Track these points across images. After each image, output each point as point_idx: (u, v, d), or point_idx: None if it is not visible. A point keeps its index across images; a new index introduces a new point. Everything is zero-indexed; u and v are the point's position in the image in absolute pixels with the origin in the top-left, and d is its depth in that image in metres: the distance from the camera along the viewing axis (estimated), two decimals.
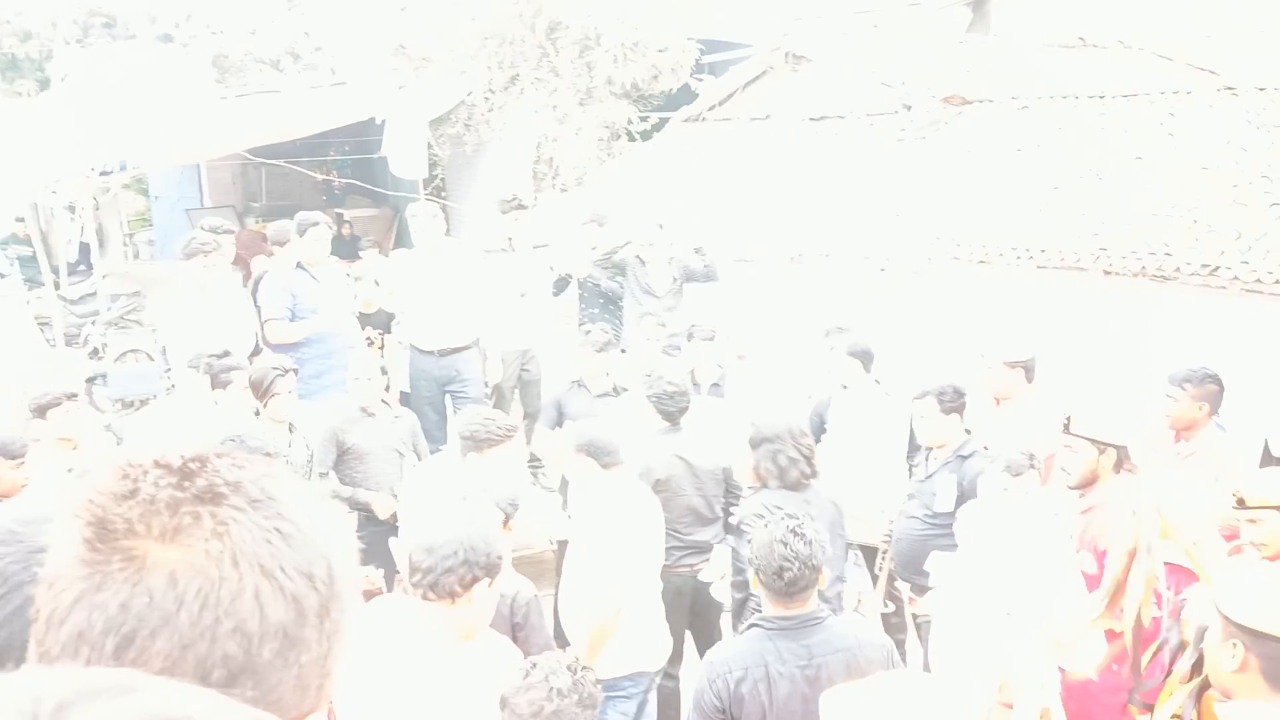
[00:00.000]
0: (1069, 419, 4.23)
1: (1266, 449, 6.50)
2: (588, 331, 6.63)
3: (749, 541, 3.36)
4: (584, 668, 2.67)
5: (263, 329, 6.93)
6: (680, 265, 7.94)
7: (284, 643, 0.85)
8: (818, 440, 5.99)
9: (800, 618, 3.13)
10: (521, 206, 7.97)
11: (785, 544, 3.08)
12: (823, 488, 4.33)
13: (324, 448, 5.69)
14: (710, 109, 11.63)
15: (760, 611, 3.27)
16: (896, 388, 6.09)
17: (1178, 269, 6.87)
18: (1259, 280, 6.58)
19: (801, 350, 7.28)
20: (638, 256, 7.84)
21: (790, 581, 3.06)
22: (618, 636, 3.67)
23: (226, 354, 5.78)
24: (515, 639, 3.54)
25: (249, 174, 16.82)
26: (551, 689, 2.56)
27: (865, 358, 6.02)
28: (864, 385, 6.02)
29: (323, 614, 0.88)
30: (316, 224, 6.95)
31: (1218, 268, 6.71)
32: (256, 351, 7.15)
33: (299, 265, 6.91)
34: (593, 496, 4.36)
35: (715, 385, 6.68)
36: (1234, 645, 2.38)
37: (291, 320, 6.81)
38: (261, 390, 5.26)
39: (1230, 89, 8.04)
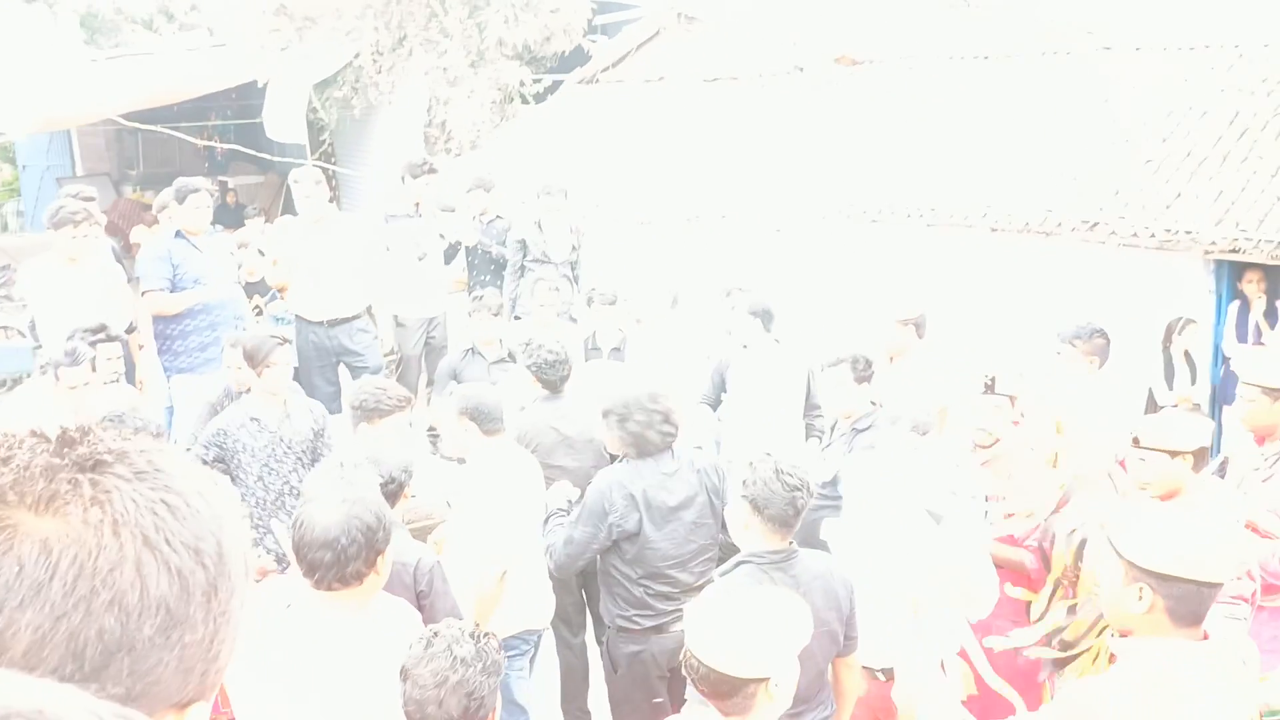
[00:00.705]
0: (1137, 435, 4.19)
1: (1151, 397, 6.77)
2: (479, 297, 6.52)
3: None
4: (486, 634, 2.60)
5: (141, 300, 6.65)
6: (579, 233, 7.86)
7: (166, 620, 0.81)
8: (718, 401, 6.02)
9: (786, 550, 3.27)
10: (433, 171, 7.77)
11: (786, 474, 3.22)
12: (698, 458, 4.25)
13: (202, 423, 5.47)
14: (604, 70, 11.53)
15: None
16: (795, 347, 6.14)
17: (1059, 224, 7.07)
18: (1135, 235, 6.81)
19: (701, 311, 7.29)
20: (536, 223, 7.73)
21: (800, 507, 3.23)
22: (506, 597, 3.66)
23: (102, 328, 5.51)
24: (420, 607, 3.48)
25: (124, 140, 16.12)
26: (455, 658, 2.48)
27: (765, 317, 6.03)
28: (764, 344, 6.05)
29: (210, 593, 0.84)
30: (197, 190, 6.65)
31: (1097, 223, 6.92)
32: (132, 327, 6.87)
33: (179, 234, 6.62)
34: (474, 462, 4.35)
35: (616, 350, 6.65)
36: (1140, 589, 2.42)
37: (173, 291, 6.54)
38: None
39: (1107, 49, 8.27)
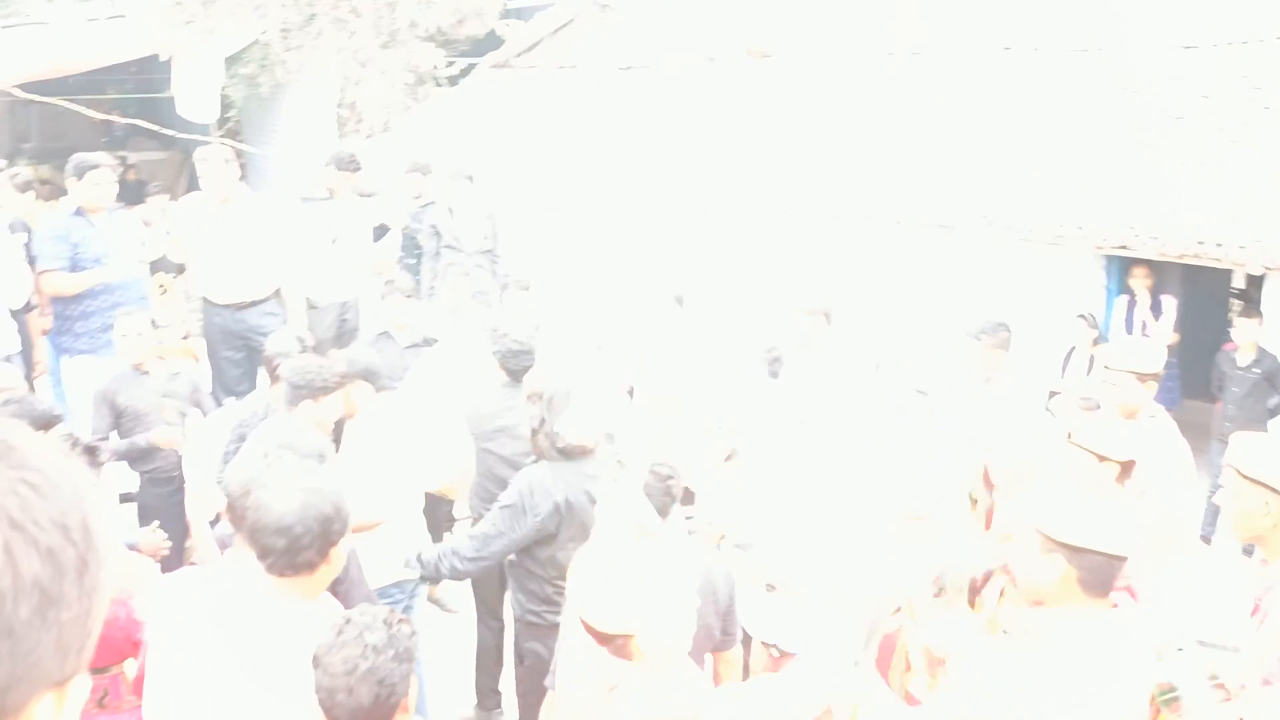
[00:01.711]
0: (1106, 359, 4.61)
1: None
2: (390, 280, 6.48)
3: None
4: (400, 620, 2.58)
5: (38, 281, 6.43)
6: (495, 219, 7.84)
7: (42, 600, 0.80)
8: (630, 388, 6.11)
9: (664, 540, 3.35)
10: (359, 168, 7.65)
11: (659, 465, 3.44)
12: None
13: (96, 411, 5.32)
14: (518, 55, 11.50)
15: None
16: (708, 336, 6.26)
17: (958, 219, 7.31)
18: (1031, 230, 7.08)
19: (612, 300, 7.36)
20: (448, 209, 7.70)
21: (674, 494, 3.46)
22: (382, 549, 3.74)
23: None
24: (335, 592, 3.50)
25: (18, 112, 15.46)
26: (366, 645, 2.46)
27: (681, 302, 6.17)
28: (679, 331, 6.16)
29: (81, 569, 0.83)
30: (96, 166, 6.42)
31: (994, 219, 7.18)
32: (28, 307, 6.65)
33: (78, 211, 6.40)
34: (366, 417, 4.49)
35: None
36: (1054, 560, 2.57)
37: (72, 270, 6.33)
38: (313, 391, 4.34)
39: (1007, 48, 8.55)
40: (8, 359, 6.11)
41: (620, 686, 2.53)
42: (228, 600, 2.81)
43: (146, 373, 5.43)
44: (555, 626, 3.98)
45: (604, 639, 2.56)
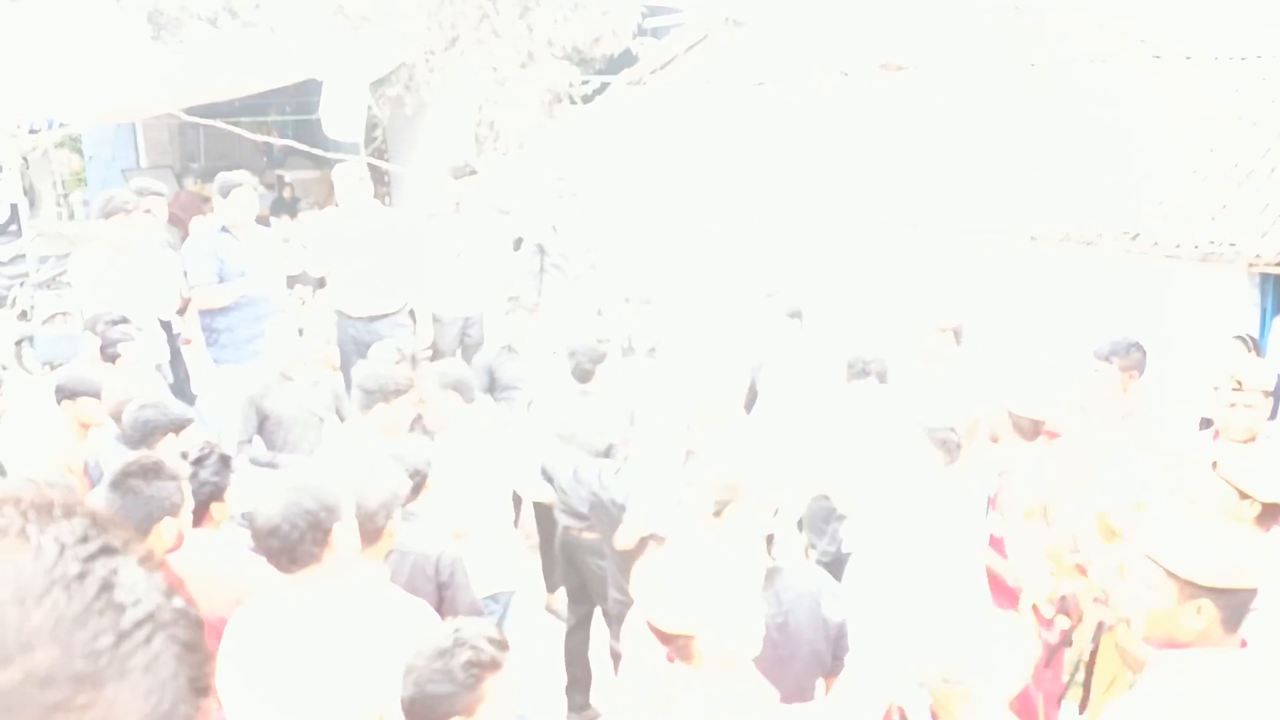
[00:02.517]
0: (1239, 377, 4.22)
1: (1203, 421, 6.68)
2: (514, 296, 6.61)
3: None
4: (482, 641, 2.49)
5: (190, 295, 6.83)
6: (594, 234, 7.90)
7: None
8: (751, 405, 6.05)
9: (769, 570, 3.19)
10: (474, 173, 7.86)
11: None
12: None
13: (243, 415, 5.61)
14: (652, 73, 11.59)
15: None
16: (831, 350, 6.16)
17: (1100, 234, 6.99)
18: (1178, 246, 6.72)
19: (739, 314, 7.32)
20: (552, 226, 7.78)
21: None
22: (472, 559, 3.80)
23: (123, 320, 5.63)
24: (441, 598, 3.58)
25: (187, 134, 16.47)
26: (425, 649, 2.46)
27: (800, 318, 6.09)
28: (798, 346, 6.08)
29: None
30: (240, 185, 6.78)
31: (1139, 234, 6.84)
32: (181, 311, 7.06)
33: (224, 228, 6.76)
34: (456, 428, 4.64)
35: (651, 350, 6.71)
36: (1199, 605, 2.45)
37: (219, 284, 6.71)
38: (385, 394, 4.52)
39: (1157, 57, 8.15)
40: (158, 367, 6.49)
41: (679, 692, 2.50)
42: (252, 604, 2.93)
43: (291, 380, 5.70)
44: None
45: (666, 639, 2.53)
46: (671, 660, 2.56)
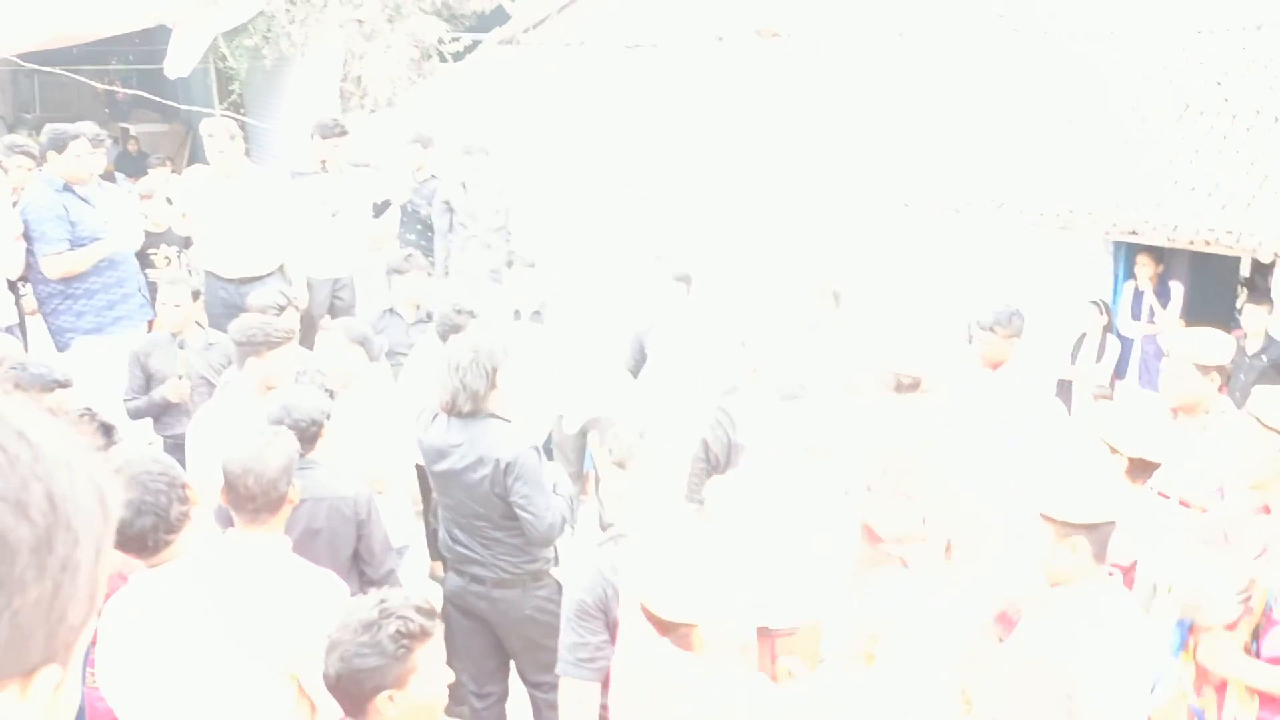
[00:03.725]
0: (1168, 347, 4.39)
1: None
2: (410, 255, 6.44)
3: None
4: (408, 612, 2.39)
5: (40, 264, 6.22)
6: (506, 194, 7.79)
7: None
8: (638, 367, 6.08)
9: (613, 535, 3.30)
10: (344, 133, 7.56)
11: (644, 435, 3.30)
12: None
13: (129, 372, 5.41)
14: (524, 31, 11.41)
15: None
16: (718, 313, 6.24)
17: (967, 202, 7.27)
18: (1040, 214, 7.04)
19: (622, 278, 7.32)
20: (460, 183, 7.63)
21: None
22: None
23: None
24: (359, 535, 3.70)
25: (20, 82, 15.43)
26: (348, 622, 2.37)
27: (687, 282, 6.13)
28: (686, 310, 6.13)
29: (42, 549, 0.75)
30: (77, 137, 6.08)
31: (1004, 202, 7.14)
32: (22, 277, 6.51)
33: (65, 187, 6.09)
34: (360, 385, 4.60)
35: (536, 313, 6.65)
36: (1075, 541, 2.80)
37: (72, 249, 6.13)
38: (255, 346, 4.39)
39: (1017, 30, 8.47)
40: (8, 329, 6.04)
41: (679, 681, 2.50)
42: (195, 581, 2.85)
43: (182, 342, 5.51)
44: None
45: (666, 628, 2.52)
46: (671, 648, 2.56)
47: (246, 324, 4.49)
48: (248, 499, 3.06)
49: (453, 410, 3.90)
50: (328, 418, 3.82)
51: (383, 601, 2.43)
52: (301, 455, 3.54)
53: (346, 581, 3.51)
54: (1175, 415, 4.12)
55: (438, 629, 2.46)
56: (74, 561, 0.77)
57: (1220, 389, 4.26)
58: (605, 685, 3.10)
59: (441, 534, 4.19)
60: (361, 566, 3.76)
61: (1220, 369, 4.09)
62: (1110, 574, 2.92)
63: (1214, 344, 4.12)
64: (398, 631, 2.36)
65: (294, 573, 3.00)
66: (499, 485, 3.84)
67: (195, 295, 5.85)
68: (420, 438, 4.05)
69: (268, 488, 3.06)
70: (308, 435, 3.67)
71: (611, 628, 3.13)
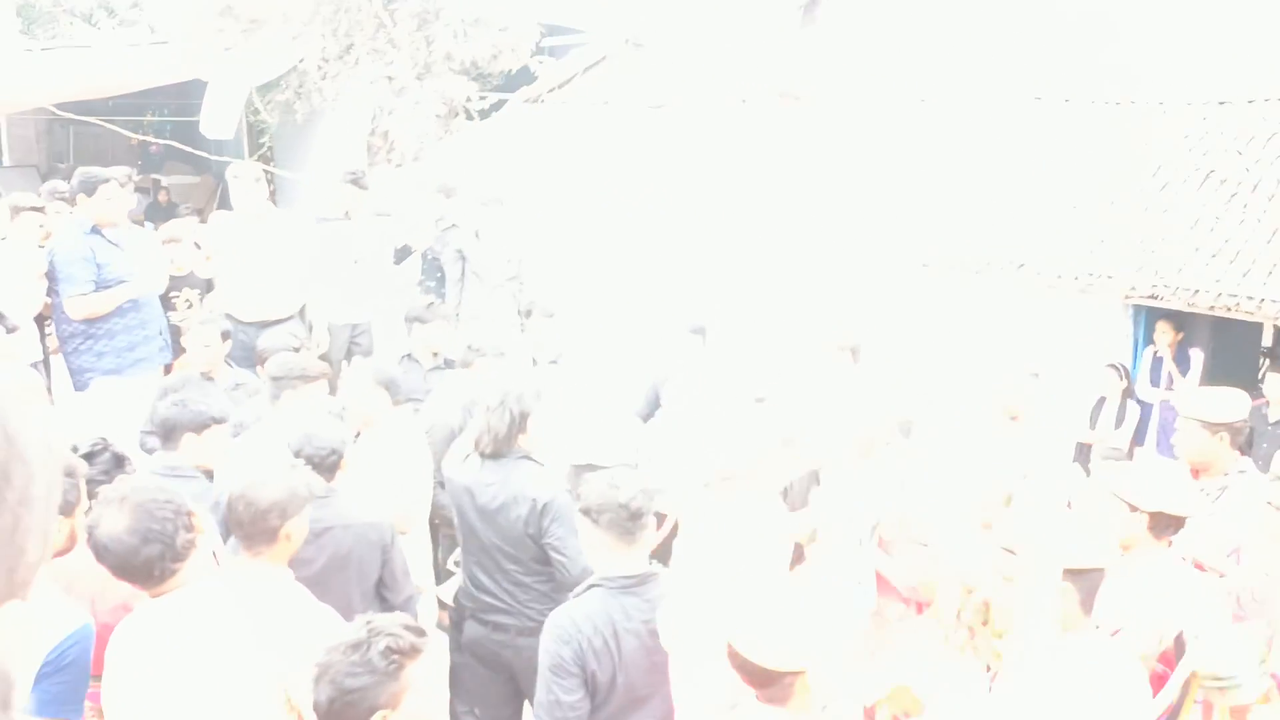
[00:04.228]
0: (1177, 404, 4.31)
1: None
2: (432, 304, 6.48)
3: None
4: (399, 631, 2.39)
5: (65, 305, 6.25)
6: (519, 243, 7.85)
7: None
8: (650, 416, 6.06)
9: (641, 575, 3.16)
10: (364, 187, 7.66)
11: (618, 483, 3.12)
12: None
13: (154, 408, 5.42)
14: (550, 91, 11.59)
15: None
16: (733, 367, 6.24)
17: (988, 264, 7.27)
18: (1059, 276, 7.03)
19: (642, 328, 7.34)
20: (474, 233, 7.71)
21: (636, 512, 3.10)
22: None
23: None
24: (383, 561, 3.76)
25: (55, 133, 15.77)
26: (337, 644, 2.35)
27: (703, 335, 6.16)
28: (700, 361, 6.13)
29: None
30: (107, 180, 6.15)
31: (1024, 264, 7.13)
32: (46, 316, 6.57)
33: (94, 230, 6.14)
34: (381, 428, 4.59)
35: (553, 362, 6.67)
36: (1065, 589, 2.75)
37: (97, 290, 6.13)
38: (291, 381, 4.56)
39: (1038, 98, 8.54)
40: (34, 366, 6.09)
41: None
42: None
43: (212, 380, 5.57)
44: None
45: (767, 679, 2.44)
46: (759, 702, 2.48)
47: (284, 360, 4.62)
48: (237, 525, 3.05)
49: (480, 449, 3.91)
50: (345, 447, 3.85)
51: (369, 622, 2.41)
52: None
53: (370, 607, 3.57)
54: (1196, 476, 4.06)
55: (428, 646, 2.43)
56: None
57: (1239, 451, 4.19)
58: None
59: (463, 583, 4.14)
60: (383, 592, 3.81)
61: (1229, 427, 3.96)
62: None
63: (1222, 402, 4.04)
64: (388, 648, 2.33)
65: (292, 605, 2.96)
66: (533, 526, 3.81)
67: (225, 336, 5.88)
68: (450, 475, 4.04)
69: (256, 518, 3.03)
70: (327, 464, 3.70)
71: (589, 684, 3.06)
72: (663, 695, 3.05)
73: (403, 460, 4.51)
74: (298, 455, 3.72)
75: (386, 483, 4.22)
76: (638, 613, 3.09)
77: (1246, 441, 6.79)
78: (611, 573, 3.16)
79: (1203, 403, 4.08)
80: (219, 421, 4.03)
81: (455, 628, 4.17)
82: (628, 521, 3.10)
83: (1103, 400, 7.31)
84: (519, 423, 3.87)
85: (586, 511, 3.15)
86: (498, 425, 3.88)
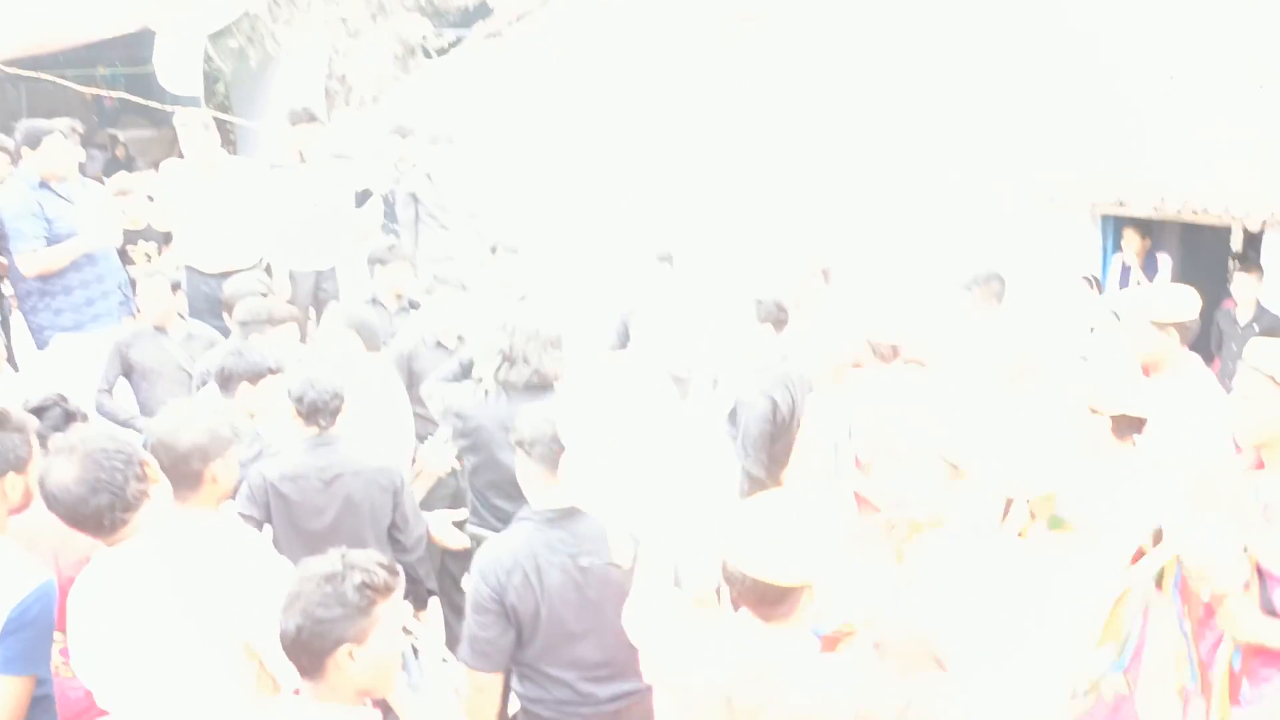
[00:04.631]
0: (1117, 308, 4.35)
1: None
2: (392, 247, 6.36)
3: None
4: (374, 568, 2.37)
5: (16, 261, 6.13)
6: (477, 183, 7.74)
7: None
8: (621, 348, 6.04)
9: (566, 509, 3.12)
10: (313, 119, 7.46)
11: (550, 419, 3.08)
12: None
13: (107, 362, 5.40)
14: (508, 25, 11.37)
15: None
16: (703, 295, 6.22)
17: (956, 178, 7.21)
18: (1024, 188, 6.98)
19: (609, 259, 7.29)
20: (426, 175, 7.56)
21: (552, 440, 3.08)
22: None
23: None
24: (394, 504, 3.84)
25: (6, 89, 15.36)
26: (308, 575, 2.33)
27: (670, 261, 6.13)
28: (669, 291, 6.11)
29: None
30: (50, 132, 5.98)
31: (990, 177, 7.08)
32: None
33: (41, 184, 5.98)
34: (355, 371, 4.51)
35: (521, 298, 6.62)
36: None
37: (49, 246, 5.96)
38: (259, 324, 4.53)
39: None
40: None
41: (776, 670, 2.35)
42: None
43: (165, 332, 5.54)
44: None
45: (776, 599, 2.40)
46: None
47: (251, 304, 4.60)
48: (161, 471, 2.96)
49: (509, 381, 3.92)
50: (346, 393, 3.89)
51: (344, 555, 2.40)
52: (324, 429, 3.77)
53: (382, 550, 3.62)
54: (1147, 374, 4.05)
55: (399, 585, 2.43)
56: None
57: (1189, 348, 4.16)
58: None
59: (474, 511, 4.13)
60: (394, 534, 3.88)
61: (1179, 326, 3.93)
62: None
63: (1170, 301, 4.00)
64: (362, 583, 2.33)
65: (224, 550, 2.91)
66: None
67: (175, 287, 5.82)
68: (469, 411, 4.00)
69: (177, 462, 2.95)
70: (330, 409, 3.77)
71: (509, 617, 3.04)
72: (600, 632, 3.03)
73: (379, 403, 4.46)
74: (300, 400, 3.75)
75: (365, 427, 4.18)
76: (563, 546, 3.07)
77: (1217, 344, 6.84)
78: (539, 506, 3.14)
79: (1151, 301, 4.05)
80: (274, 371, 4.04)
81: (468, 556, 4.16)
82: (560, 455, 3.07)
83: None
84: (554, 351, 3.89)
85: (520, 443, 3.12)
86: (537, 357, 3.87)
